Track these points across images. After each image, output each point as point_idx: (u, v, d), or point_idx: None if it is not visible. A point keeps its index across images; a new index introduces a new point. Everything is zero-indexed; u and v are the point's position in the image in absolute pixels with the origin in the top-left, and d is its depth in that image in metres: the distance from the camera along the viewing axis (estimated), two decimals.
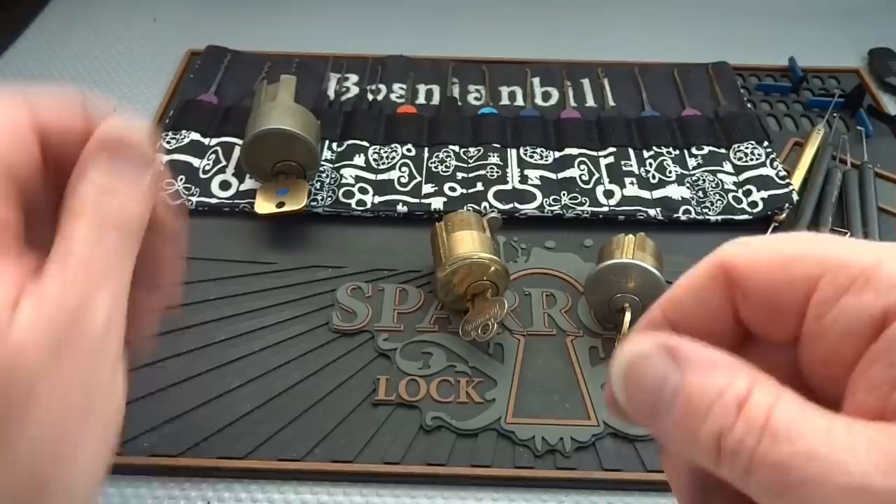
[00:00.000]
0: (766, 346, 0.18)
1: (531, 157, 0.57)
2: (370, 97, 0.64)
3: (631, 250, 0.45)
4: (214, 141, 0.58)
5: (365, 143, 0.58)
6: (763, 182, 0.55)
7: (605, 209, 0.53)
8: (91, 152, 0.21)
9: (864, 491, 0.13)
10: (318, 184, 0.54)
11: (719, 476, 0.15)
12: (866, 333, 0.15)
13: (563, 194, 0.54)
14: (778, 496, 0.14)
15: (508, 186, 0.55)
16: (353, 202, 0.53)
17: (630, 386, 0.16)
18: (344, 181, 0.54)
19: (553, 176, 0.56)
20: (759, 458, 0.14)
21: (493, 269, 0.44)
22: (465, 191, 0.54)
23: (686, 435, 0.15)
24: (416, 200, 0.54)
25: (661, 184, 0.55)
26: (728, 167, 0.57)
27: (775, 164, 0.56)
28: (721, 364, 0.15)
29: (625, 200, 0.54)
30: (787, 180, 0.55)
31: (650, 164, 0.57)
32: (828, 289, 0.16)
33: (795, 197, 0.54)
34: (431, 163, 0.57)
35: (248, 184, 0.54)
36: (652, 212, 0.53)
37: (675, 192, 0.54)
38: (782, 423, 0.14)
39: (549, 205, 0.53)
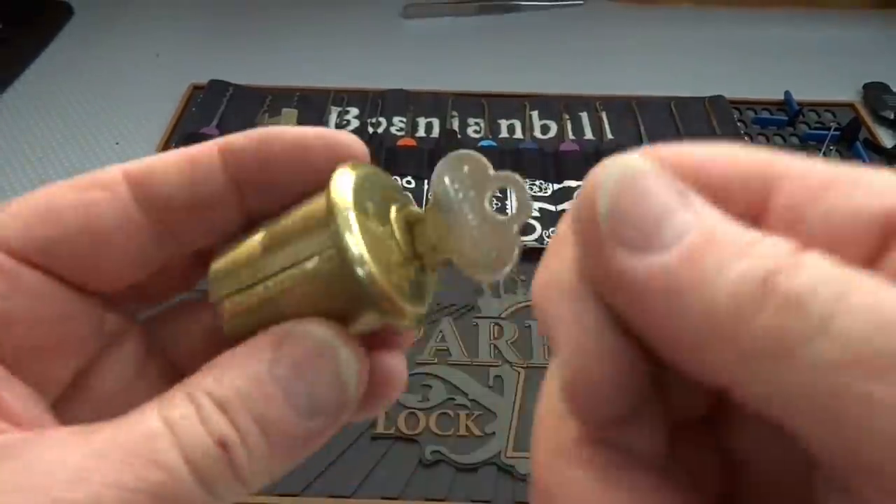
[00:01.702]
0: None
1: (530, 189, 0.58)
2: (371, 130, 0.64)
3: None
4: None
5: None
6: None
7: None
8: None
9: None
10: None
11: (729, 342, 0.11)
12: (866, 239, 0.12)
13: None
14: (851, 366, 0.10)
15: None
16: None
17: (623, 203, 0.13)
18: None
19: (553, 208, 0.56)
20: (843, 312, 0.10)
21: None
22: None
23: (692, 277, 0.12)
24: None
25: None
26: None
27: None
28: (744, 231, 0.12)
29: None
30: None
31: None
32: (797, 190, 0.13)
33: None
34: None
35: None
36: None
37: None
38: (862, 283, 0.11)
39: (549, 236, 0.53)
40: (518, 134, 0.65)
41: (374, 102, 0.68)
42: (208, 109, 0.65)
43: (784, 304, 0.11)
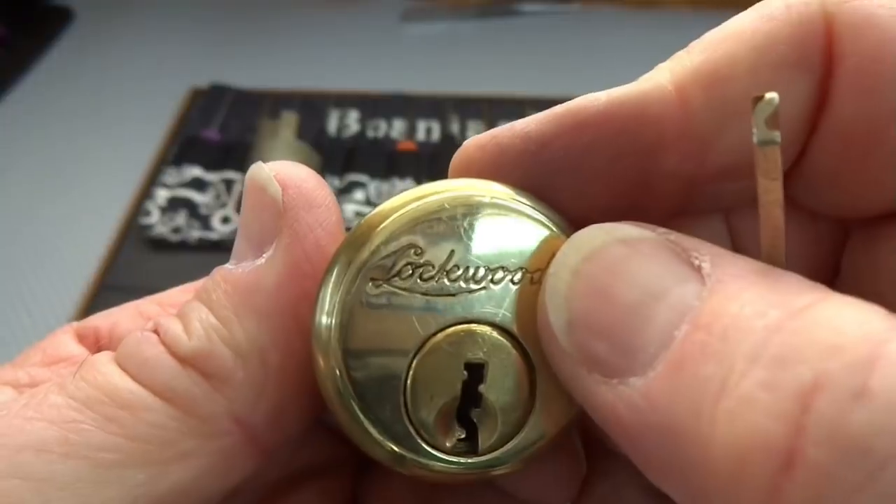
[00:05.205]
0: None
1: None
2: (371, 133, 0.64)
3: None
4: (216, 176, 0.58)
5: (365, 179, 0.58)
6: None
7: None
8: None
9: None
10: None
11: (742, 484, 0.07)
12: None
13: None
14: None
15: None
16: None
17: (600, 281, 0.09)
18: (344, 216, 0.55)
19: None
20: None
21: None
22: None
23: (683, 412, 0.07)
24: None
25: None
26: None
27: None
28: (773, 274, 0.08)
29: None
30: None
31: None
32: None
33: None
34: None
35: None
36: None
37: None
38: None
39: None
40: None
41: (373, 106, 0.68)
42: (209, 113, 0.65)
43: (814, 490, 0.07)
